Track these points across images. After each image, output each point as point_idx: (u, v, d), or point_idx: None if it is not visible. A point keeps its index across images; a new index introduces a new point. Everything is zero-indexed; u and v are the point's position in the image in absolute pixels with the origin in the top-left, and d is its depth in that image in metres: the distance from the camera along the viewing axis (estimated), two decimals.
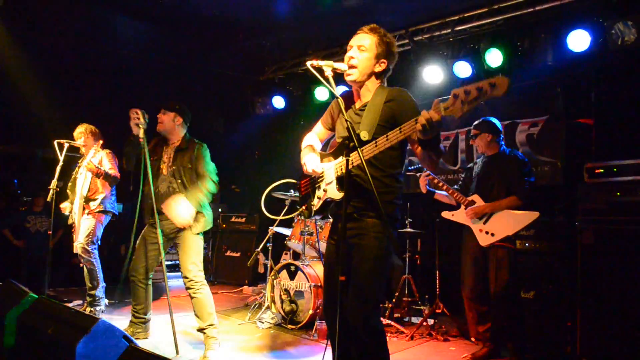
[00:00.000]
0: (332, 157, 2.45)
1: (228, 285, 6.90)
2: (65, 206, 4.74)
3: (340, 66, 2.29)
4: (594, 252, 3.54)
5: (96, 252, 4.57)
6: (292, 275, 4.65)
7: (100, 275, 4.56)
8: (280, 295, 4.67)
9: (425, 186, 3.94)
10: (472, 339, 3.98)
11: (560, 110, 4.95)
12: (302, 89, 6.91)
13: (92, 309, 4.51)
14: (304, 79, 6.80)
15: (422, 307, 4.77)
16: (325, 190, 2.42)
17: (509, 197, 3.66)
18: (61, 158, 4.26)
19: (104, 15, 5.55)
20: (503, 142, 3.92)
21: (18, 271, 5.92)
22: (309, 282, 4.45)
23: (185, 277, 3.57)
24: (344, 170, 2.16)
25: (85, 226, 4.53)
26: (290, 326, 4.51)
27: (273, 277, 4.80)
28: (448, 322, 4.56)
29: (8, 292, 2.71)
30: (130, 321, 3.85)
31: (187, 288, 3.58)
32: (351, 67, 2.35)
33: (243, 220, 7.26)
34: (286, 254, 5.71)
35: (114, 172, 4.54)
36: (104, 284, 4.63)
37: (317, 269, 4.60)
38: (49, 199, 4.21)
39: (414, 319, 4.87)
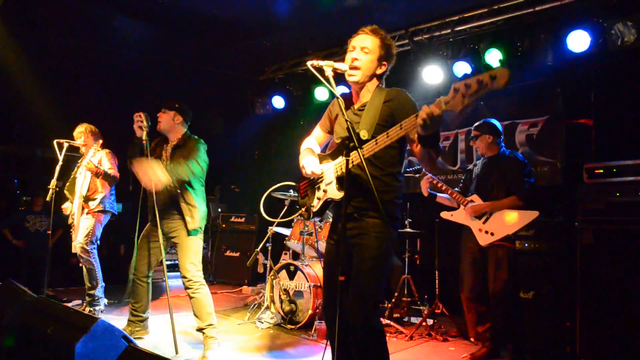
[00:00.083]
0: (331, 158, 2.45)
1: (227, 285, 6.89)
2: (67, 206, 4.74)
3: (341, 66, 2.29)
4: (593, 252, 3.54)
5: (95, 252, 4.57)
6: (291, 275, 4.65)
7: (99, 275, 4.56)
8: (280, 295, 4.67)
9: (426, 189, 3.94)
10: (472, 339, 3.99)
11: (560, 111, 4.95)
12: (302, 89, 6.91)
13: (91, 309, 4.51)
14: (304, 79, 6.80)
15: (421, 307, 4.77)
16: (325, 191, 2.42)
17: (509, 197, 3.67)
18: (61, 158, 4.26)
19: (104, 15, 5.55)
20: (503, 144, 3.93)
21: (17, 271, 5.91)
22: (308, 282, 4.45)
23: (184, 277, 3.58)
24: (344, 170, 2.16)
25: (84, 226, 4.53)
26: (289, 326, 4.51)
27: (272, 277, 4.80)
28: (447, 322, 4.56)
29: (7, 292, 2.71)
30: (129, 320, 3.85)
31: (186, 288, 3.58)
32: (354, 68, 2.36)
33: (242, 220, 7.26)
34: (285, 253, 5.71)
35: (113, 171, 4.55)
36: (103, 284, 4.63)
37: (316, 269, 4.60)
38: (48, 198, 4.20)
39: (414, 319, 4.87)
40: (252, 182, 8.04)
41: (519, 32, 4.89)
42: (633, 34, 4.10)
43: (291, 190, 4.95)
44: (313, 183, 2.55)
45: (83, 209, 4.57)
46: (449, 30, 5.31)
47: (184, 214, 3.56)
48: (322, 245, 4.86)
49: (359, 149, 2.07)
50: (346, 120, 2.09)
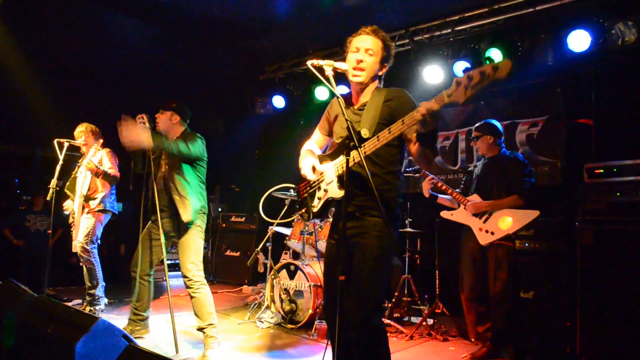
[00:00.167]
0: (331, 158, 2.46)
1: (228, 284, 6.89)
2: (68, 204, 4.74)
3: (341, 65, 2.30)
4: (593, 252, 3.54)
5: (95, 251, 4.57)
6: (291, 275, 4.65)
7: (99, 274, 4.57)
8: (280, 295, 4.67)
9: (428, 190, 3.94)
10: (472, 339, 3.99)
11: (560, 111, 4.95)
12: (302, 89, 6.91)
13: (91, 308, 4.52)
14: (304, 79, 6.80)
15: (421, 307, 4.76)
16: (325, 191, 2.42)
17: (509, 196, 3.67)
18: (61, 157, 4.27)
19: (103, 15, 5.55)
20: (504, 145, 3.94)
21: (18, 270, 5.91)
22: (308, 281, 4.45)
23: (185, 277, 3.58)
24: (344, 169, 2.17)
25: (84, 225, 4.53)
26: (289, 326, 4.51)
27: (273, 276, 4.80)
28: (447, 322, 4.56)
29: (8, 292, 2.71)
30: (129, 319, 3.86)
31: (187, 287, 3.59)
32: (360, 69, 2.37)
33: (243, 219, 7.26)
34: (286, 253, 5.71)
35: (113, 171, 4.55)
36: (104, 283, 4.63)
37: (316, 269, 4.60)
38: (48, 198, 4.21)
39: (414, 319, 4.88)
40: (252, 181, 8.04)
41: (519, 31, 4.90)
42: (634, 33, 4.10)
43: (291, 190, 4.95)
44: (313, 184, 2.55)
45: (83, 208, 4.58)
46: (449, 30, 5.31)
47: (177, 206, 3.55)
48: (322, 245, 4.86)
49: (359, 148, 2.07)
50: (346, 120, 2.09)
